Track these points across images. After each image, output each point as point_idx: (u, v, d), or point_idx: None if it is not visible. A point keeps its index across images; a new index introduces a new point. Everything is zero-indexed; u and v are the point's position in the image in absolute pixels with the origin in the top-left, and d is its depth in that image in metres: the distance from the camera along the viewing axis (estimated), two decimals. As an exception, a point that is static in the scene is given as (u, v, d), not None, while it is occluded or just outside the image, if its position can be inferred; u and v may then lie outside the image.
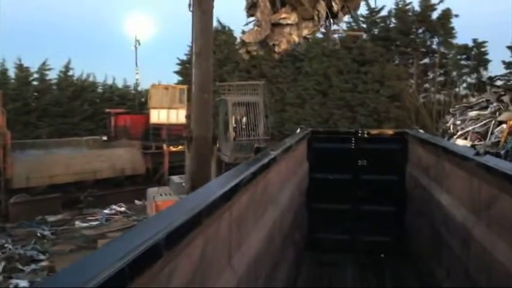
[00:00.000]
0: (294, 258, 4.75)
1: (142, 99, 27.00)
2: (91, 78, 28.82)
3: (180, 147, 20.19)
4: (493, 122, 14.29)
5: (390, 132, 6.04)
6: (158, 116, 20.71)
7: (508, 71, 21.84)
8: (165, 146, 19.76)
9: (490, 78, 19.91)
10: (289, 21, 3.82)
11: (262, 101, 16.25)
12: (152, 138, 20.31)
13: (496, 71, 22.49)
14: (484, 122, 14.65)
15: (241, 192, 2.31)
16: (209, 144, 7.11)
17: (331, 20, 4.77)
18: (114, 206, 15.73)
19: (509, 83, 18.55)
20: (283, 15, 3.80)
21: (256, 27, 4.68)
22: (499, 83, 19.05)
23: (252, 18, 5.41)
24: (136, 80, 28.79)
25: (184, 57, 28.36)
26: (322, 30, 4.90)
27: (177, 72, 29.71)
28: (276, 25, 4.83)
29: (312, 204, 6.04)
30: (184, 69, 27.32)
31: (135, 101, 27.44)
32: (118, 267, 1.01)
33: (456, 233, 3.36)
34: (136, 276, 1.10)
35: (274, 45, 4.61)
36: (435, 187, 4.20)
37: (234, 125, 15.93)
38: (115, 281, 0.98)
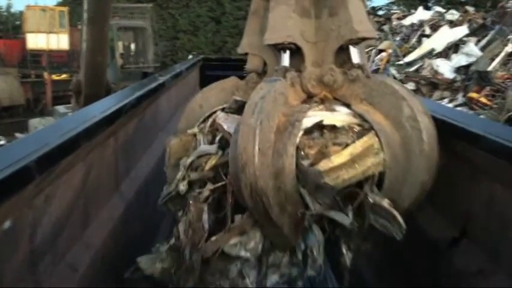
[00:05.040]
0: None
1: (17, 23, 24.28)
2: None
3: (64, 75, 18.78)
4: (374, 50, 15.22)
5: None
6: (36, 41, 18.82)
7: (389, 1, 23.11)
8: (46, 74, 18.22)
9: (373, 8, 20.91)
10: (242, 253, 1.56)
11: (151, 27, 15.49)
12: (31, 65, 18.56)
13: (378, 1, 23.58)
14: (366, 50, 15.54)
15: (125, 117, 2.22)
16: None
17: None
18: (-9, 140, 14.44)
19: (389, 13, 19.70)
20: (234, 240, 1.55)
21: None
22: (380, 12, 20.14)
23: None
24: (9, 0, 25.72)
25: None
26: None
27: (55, -8, 26.93)
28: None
29: None
30: (65, -11, 24.86)
31: (8, 25, 24.60)
32: None
33: None
34: (3, 199, 1.02)
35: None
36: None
37: (122, 52, 15.09)
38: None
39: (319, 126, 1.45)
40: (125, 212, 2.21)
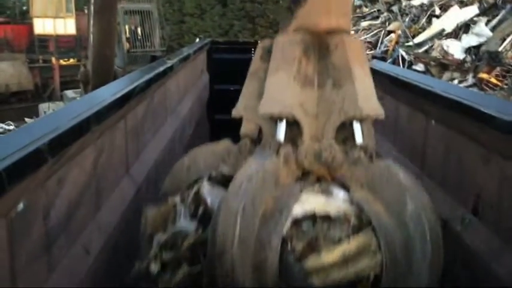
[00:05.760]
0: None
1: (24, 8, 24.25)
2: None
3: (71, 60, 18.82)
4: (383, 31, 15.03)
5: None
6: (43, 26, 18.82)
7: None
8: (54, 59, 18.27)
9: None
10: None
11: (157, 10, 15.41)
12: (38, 50, 18.61)
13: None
14: (375, 31, 15.35)
15: (135, 100, 2.23)
16: None
17: None
18: (1, 124, 14.54)
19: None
20: None
21: None
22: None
23: None
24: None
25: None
26: None
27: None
28: None
29: (213, 115, 6.08)
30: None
31: (15, 10, 24.59)
32: None
33: None
34: (16, 181, 1.03)
35: None
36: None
37: (128, 36, 15.04)
38: None
39: (311, 215, 1.28)
40: (135, 194, 2.23)
